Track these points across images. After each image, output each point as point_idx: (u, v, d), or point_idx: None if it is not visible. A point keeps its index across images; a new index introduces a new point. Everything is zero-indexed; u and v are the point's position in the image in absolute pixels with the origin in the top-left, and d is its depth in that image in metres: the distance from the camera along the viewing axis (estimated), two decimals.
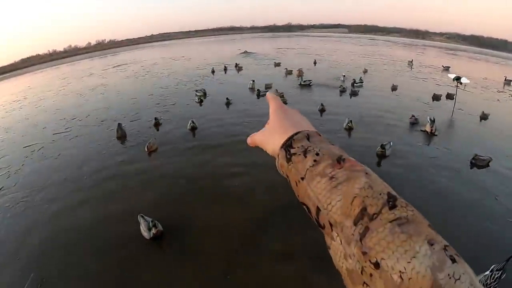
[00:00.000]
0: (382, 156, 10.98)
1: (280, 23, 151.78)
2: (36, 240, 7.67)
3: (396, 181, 9.46)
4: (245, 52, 51.63)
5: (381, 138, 12.34)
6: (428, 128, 13.58)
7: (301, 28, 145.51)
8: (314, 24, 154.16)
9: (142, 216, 7.54)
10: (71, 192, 9.84)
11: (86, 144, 13.99)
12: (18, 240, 7.74)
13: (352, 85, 22.33)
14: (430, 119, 13.76)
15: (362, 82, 23.45)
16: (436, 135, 13.30)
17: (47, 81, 43.45)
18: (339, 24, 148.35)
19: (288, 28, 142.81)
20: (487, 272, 5.57)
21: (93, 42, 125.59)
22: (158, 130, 14.83)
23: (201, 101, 19.33)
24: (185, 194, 9.12)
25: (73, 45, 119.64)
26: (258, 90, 20.12)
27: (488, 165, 10.70)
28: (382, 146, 11.08)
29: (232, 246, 6.88)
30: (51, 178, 10.93)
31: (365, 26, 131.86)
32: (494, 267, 5.59)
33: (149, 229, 7.19)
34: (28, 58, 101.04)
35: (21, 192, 10.18)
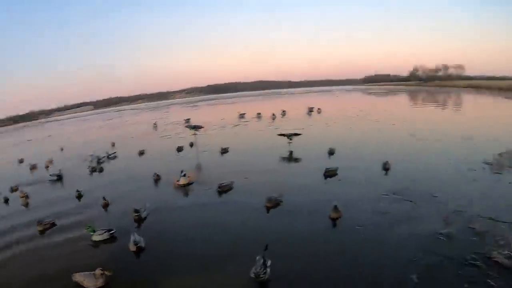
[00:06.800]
0: (139, 220, 10.63)
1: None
2: None
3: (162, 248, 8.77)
4: None
5: (133, 203, 11.56)
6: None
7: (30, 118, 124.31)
8: (59, 107, 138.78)
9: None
10: None
11: None
12: None
13: (98, 162, 21.28)
14: (182, 173, 14.16)
15: (109, 156, 22.94)
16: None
17: None
18: (83, 102, 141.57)
19: (30, 117, 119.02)
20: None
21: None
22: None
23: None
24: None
25: None
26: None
27: (231, 188, 13.10)
28: (136, 210, 10.79)
29: None
30: None
31: (110, 99, 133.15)
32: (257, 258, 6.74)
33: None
34: None
35: None
